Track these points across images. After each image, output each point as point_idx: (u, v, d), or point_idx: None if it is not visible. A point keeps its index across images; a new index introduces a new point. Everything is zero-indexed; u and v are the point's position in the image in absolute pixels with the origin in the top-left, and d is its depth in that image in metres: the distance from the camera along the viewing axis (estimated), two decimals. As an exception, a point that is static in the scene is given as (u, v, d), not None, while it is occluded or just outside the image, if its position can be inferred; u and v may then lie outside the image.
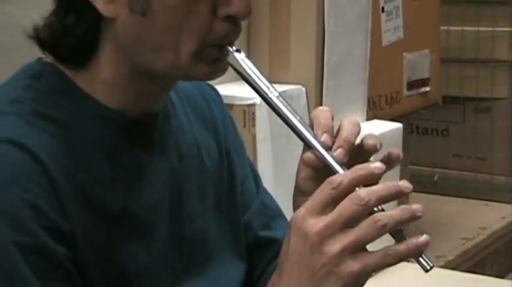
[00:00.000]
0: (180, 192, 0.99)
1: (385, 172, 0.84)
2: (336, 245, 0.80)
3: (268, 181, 1.26)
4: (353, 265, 0.80)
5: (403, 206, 0.81)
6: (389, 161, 0.87)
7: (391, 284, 1.99)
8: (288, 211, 1.16)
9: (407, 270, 2.20)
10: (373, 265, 0.80)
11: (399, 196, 0.82)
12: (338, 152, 0.87)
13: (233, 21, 0.88)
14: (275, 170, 1.79)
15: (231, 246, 1.06)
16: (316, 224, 0.80)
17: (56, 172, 0.85)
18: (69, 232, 0.85)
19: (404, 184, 0.82)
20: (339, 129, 0.89)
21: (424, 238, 0.81)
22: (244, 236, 1.09)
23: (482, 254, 2.62)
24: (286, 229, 1.12)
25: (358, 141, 0.90)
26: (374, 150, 0.88)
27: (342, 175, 0.83)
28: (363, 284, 0.82)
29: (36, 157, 0.84)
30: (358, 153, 0.89)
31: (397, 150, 0.89)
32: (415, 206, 0.81)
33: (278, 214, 1.15)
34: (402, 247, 0.81)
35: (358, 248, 0.80)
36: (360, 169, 0.82)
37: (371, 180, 0.82)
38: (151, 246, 0.94)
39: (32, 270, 0.81)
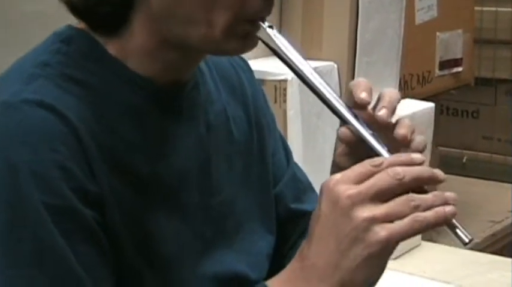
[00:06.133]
0: (208, 161, 0.99)
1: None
2: (365, 212, 0.80)
3: (297, 157, 1.25)
4: (380, 232, 0.80)
5: (436, 193, 0.81)
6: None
7: (417, 265, 1.98)
8: (317, 187, 1.16)
9: (434, 251, 2.20)
10: (401, 232, 0.80)
11: (432, 182, 0.82)
12: (382, 112, 0.89)
13: None
14: (305, 146, 1.78)
15: (260, 218, 1.06)
16: (349, 189, 0.81)
17: (84, 134, 0.85)
18: (97, 194, 0.85)
19: (439, 172, 0.83)
20: (378, 99, 0.91)
21: (451, 207, 0.81)
22: (274, 208, 1.09)
23: (510, 237, 2.61)
24: (317, 202, 1.13)
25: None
26: (404, 140, 0.89)
27: (384, 158, 0.83)
28: (391, 253, 0.82)
29: (66, 119, 0.84)
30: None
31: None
32: (448, 194, 0.82)
33: (308, 187, 1.15)
34: (430, 213, 0.81)
35: (386, 221, 0.80)
36: (402, 156, 0.84)
37: None
38: (178, 214, 0.94)
39: (59, 231, 0.82)
